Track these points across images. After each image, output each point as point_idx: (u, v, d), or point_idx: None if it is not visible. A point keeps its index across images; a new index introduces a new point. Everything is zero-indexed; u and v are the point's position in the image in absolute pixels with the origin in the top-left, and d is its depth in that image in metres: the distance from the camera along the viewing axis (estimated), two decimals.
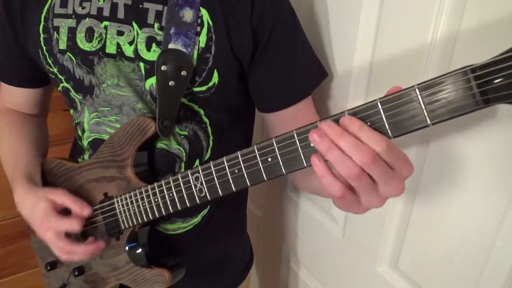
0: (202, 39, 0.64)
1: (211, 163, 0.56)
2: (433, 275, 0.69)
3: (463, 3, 0.54)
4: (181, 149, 0.72)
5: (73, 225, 0.68)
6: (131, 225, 0.70)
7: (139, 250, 0.73)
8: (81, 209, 0.69)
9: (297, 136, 0.47)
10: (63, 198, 0.69)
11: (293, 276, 1.14)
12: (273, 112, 0.73)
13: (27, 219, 0.72)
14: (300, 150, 0.47)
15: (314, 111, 0.76)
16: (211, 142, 0.74)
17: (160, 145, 0.72)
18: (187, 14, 0.63)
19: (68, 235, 0.70)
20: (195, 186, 0.58)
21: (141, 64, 0.66)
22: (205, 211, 0.79)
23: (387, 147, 0.40)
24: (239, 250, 0.94)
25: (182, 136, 0.72)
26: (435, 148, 0.64)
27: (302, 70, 0.71)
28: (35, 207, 0.69)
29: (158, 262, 0.73)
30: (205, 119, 0.72)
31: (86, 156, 0.79)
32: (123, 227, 0.72)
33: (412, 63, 0.62)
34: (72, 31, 0.67)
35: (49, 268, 0.83)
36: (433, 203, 0.66)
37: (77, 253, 0.69)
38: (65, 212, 0.71)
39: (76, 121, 0.77)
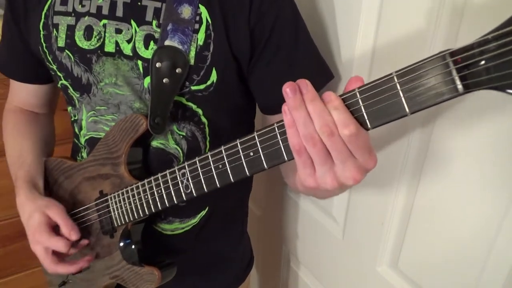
0: (201, 36, 0.64)
1: (197, 159, 0.55)
2: (433, 275, 0.68)
3: None
4: (179, 149, 0.72)
5: (60, 247, 0.69)
6: (123, 222, 0.70)
7: (131, 248, 0.72)
8: (68, 233, 0.70)
9: (278, 129, 0.46)
10: (56, 216, 0.71)
11: (293, 276, 1.13)
12: (274, 115, 0.72)
13: (24, 225, 0.74)
14: (281, 143, 0.46)
15: None
16: (208, 144, 0.73)
17: (157, 144, 0.71)
18: (186, 11, 0.63)
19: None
20: (182, 182, 0.58)
21: (139, 62, 0.66)
22: (203, 212, 0.79)
23: (354, 132, 0.40)
24: (239, 251, 0.93)
25: (181, 136, 0.71)
26: (435, 148, 0.63)
27: (305, 72, 0.69)
28: (31, 217, 0.71)
29: (152, 260, 0.73)
30: (204, 120, 0.71)
31: (83, 154, 0.79)
32: (116, 225, 0.72)
33: (413, 61, 0.61)
34: (71, 29, 0.68)
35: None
36: (433, 203, 0.65)
37: (61, 271, 0.71)
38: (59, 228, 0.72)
39: (73, 119, 0.77)
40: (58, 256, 0.71)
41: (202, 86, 0.66)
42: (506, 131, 0.52)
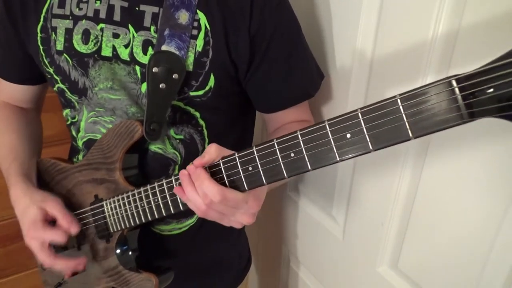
0: (199, 43, 0.63)
1: None
2: (433, 275, 0.68)
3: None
4: (177, 153, 0.72)
5: (58, 237, 0.67)
6: (119, 228, 0.69)
7: (128, 254, 0.72)
8: (68, 226, 0.68)
9: (277, 145, 0.45)
10: (54, 210, 0.68)
11: (293, 276, 1.13)
12: (274, 113, 0.74)
13: (19, 219, 0.72)
14: (280, 160, 0.45)
15: (309, 111, 0.77)
16: (206, 146, 0.73)
17: (155, 149, 0.71)
18: (183, 16, 0.62)
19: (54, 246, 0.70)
20: None
21: (137, 68, 0.65)
22: None
23: (220, 199, 0.51)
24: (237, 252, 0.92)
25: (178, 140, 0.71)
26: (435, 147, 0.62)
27: (302, 75, 0.71)
28: (27, 211, 0.68)
29: (150, 265, 0.72)
30: (201, 122, 0.71)
31: (80, 157, 0.78)
32: (112, 230, 0.71)
33: (412, 62, 0.61)
34: (69, 32, 0.67)
35: (44, 266, 0.84)
36: (433, 203, 0.65)
37: (58, 266, 0.69)
38: (54, 221, 0.70)
39: (71, 121, 0.76)
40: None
41: (200, 92, 0.66)
42: (506, 131, 0.51)
